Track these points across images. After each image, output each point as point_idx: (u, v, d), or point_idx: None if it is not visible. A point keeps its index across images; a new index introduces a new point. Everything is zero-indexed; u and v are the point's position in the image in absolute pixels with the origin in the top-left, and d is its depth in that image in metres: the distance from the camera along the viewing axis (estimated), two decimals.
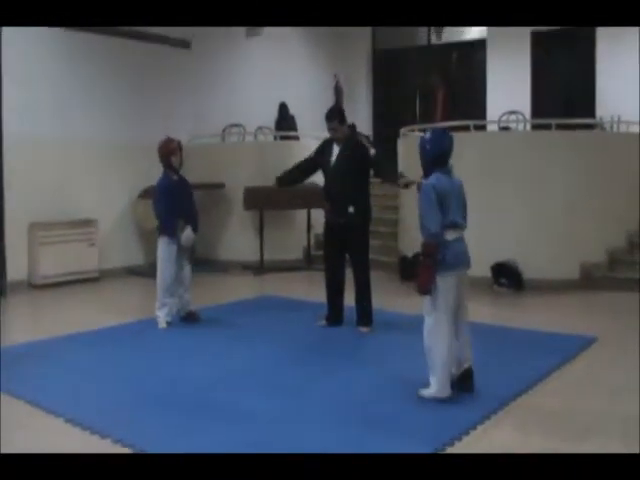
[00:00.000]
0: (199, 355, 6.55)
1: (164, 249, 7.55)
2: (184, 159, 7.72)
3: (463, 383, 5.36)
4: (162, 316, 7.56)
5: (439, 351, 5.16)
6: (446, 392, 5.19)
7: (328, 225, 7.51)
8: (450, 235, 5.18)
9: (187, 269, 7.70)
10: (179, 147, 7.63)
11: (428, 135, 5.40)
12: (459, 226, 5.25)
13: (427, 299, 5.19)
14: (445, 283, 5.14)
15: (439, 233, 5.09)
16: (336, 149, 7.36)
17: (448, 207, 5.15)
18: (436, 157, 5.26)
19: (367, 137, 7.35)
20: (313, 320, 7.67)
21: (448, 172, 5.29)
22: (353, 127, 7.54)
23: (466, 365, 5.36)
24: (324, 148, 7.54)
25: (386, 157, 7.55)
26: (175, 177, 7.66)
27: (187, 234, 7.53)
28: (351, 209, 7.17)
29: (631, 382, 5.62)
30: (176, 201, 7.53)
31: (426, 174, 5.29)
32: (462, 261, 5.27)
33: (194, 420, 4.87)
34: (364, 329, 7.27)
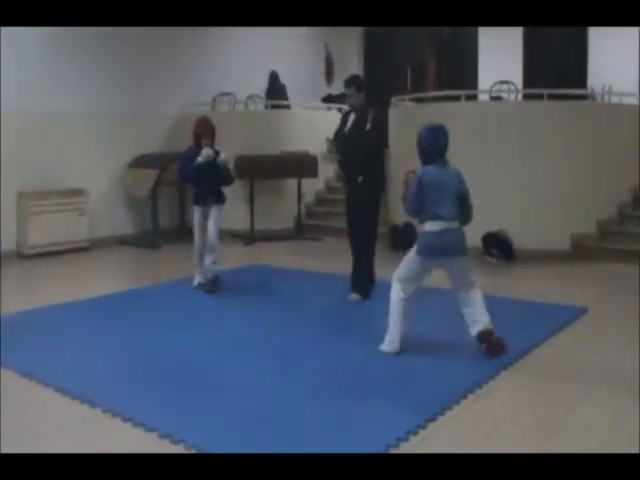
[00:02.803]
0: (189, 324, 6.54)
1: (194, 216, 7.87)
2: (214, 134, 7.76)
3: (482, 342, 5.52)
4: (196, 277, 7.94)
5: (391, 309, 5.63)
6: (390, 347, 5.57)
7: (346, 195, 7.54)
8: (430, 226, 5.45)
9: (211, 232, 7.71)
10: (212, 130, 7.75)
11: (425, 131, 5.59)
12: (442, 218, 5.43)
13: None
14: (412, 257, 5.55)
15: (414, 210, 5.52)
16: (352, 118, 7.32)
17: (433, 200, 5.41)
18: (432, 152, 5.52)
19: (376, 110, 7.24)
20: (302, 289, 7.71)
21: (442, 166, 5.51)
22: (366, 99, 7.37)
23: (481, 327, 5.52)
24: (344, 119, 7.48)
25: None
26: (203, 150, 7.65)
27: (205, 151, 7.58)
28: (360, 178, 7.11)
29: (622, 352, 5.64)
30: (200, 173, 7.60)
31: (424, 165, 5.57)
32: (440, 252, 5.46)
33: (184, 390, 4.87)
34: (353, 296, 7.29)
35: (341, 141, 7.43)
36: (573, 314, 6.74)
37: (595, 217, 9.73)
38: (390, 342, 5.59)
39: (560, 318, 6.59)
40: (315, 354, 5.63)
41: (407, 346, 5.50)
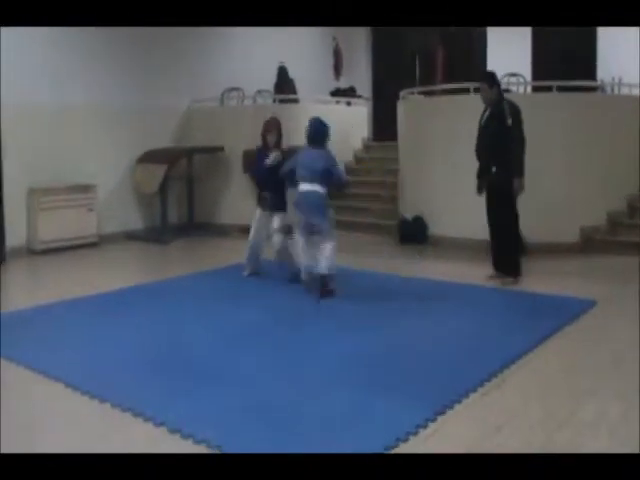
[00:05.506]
0: (196, 319, 6.55)
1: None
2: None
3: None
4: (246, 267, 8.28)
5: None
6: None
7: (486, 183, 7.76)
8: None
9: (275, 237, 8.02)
10: (276, 126, 8.04)
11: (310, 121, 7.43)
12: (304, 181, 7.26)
13: None
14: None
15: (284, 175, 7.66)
16: (487, 113, 7.77)
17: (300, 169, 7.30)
18: (310, 138, 7.40)
19: (513, 105, 7.61)
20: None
21: (315, 148, 7.28)
22: (500, 93, 7.78)
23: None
24: (483, 112, 7.88)
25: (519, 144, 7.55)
26: (272, 153, 7.89)
27: (274, 155, 7.87)
28: (494, 168, 7.50)
29: (631, 346, 5.62)
30: (261, 174, 8.09)
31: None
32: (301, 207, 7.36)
33: (192, 383, 4.87)
34: (508, 280, 7.68)
35: (478, 134, 7.80)
36: (582, 307, 6.72)
37: (605, 210, 9.70)
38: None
39: (568, 311, 6.58)
40: (321, 346, 5.63)
41: (415, 338, 5.48)
